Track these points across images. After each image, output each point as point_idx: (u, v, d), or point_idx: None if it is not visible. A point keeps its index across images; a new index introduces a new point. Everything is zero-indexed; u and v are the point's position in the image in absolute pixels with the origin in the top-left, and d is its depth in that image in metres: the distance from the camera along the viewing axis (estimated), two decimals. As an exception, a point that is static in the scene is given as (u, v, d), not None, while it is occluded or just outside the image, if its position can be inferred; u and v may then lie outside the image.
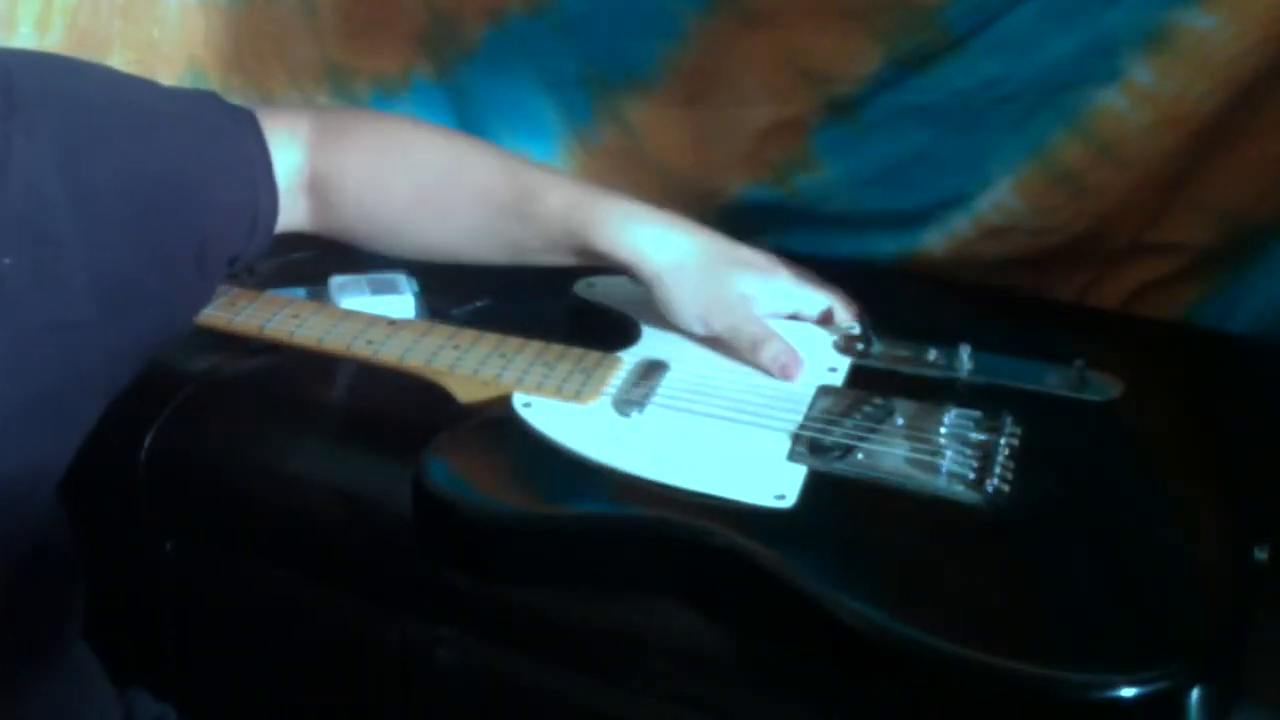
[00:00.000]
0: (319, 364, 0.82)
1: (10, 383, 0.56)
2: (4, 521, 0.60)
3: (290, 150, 0.75)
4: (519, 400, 0.71)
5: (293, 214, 0.76)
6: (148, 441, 0.83)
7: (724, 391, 0.72)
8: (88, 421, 0.63)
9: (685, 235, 0.76)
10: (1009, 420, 0.68)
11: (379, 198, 0.77)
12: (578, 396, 0.71)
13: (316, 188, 0.76)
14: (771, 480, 0.64)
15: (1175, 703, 0.53)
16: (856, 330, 0.78)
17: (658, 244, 0.75)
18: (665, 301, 0.76)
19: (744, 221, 1.03)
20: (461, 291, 0.95)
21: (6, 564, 0.61)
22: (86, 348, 0.60)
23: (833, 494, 0.64)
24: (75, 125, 0.60)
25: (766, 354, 0.74)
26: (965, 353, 0.74)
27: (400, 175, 0.77)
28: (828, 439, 0.67)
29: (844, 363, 0.76)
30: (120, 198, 0.61)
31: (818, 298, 0.79)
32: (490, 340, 0.77)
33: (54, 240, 0.57)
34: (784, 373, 0.73)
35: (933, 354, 0.75)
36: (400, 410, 0.79)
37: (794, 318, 0.79)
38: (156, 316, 0.65)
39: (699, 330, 0.77)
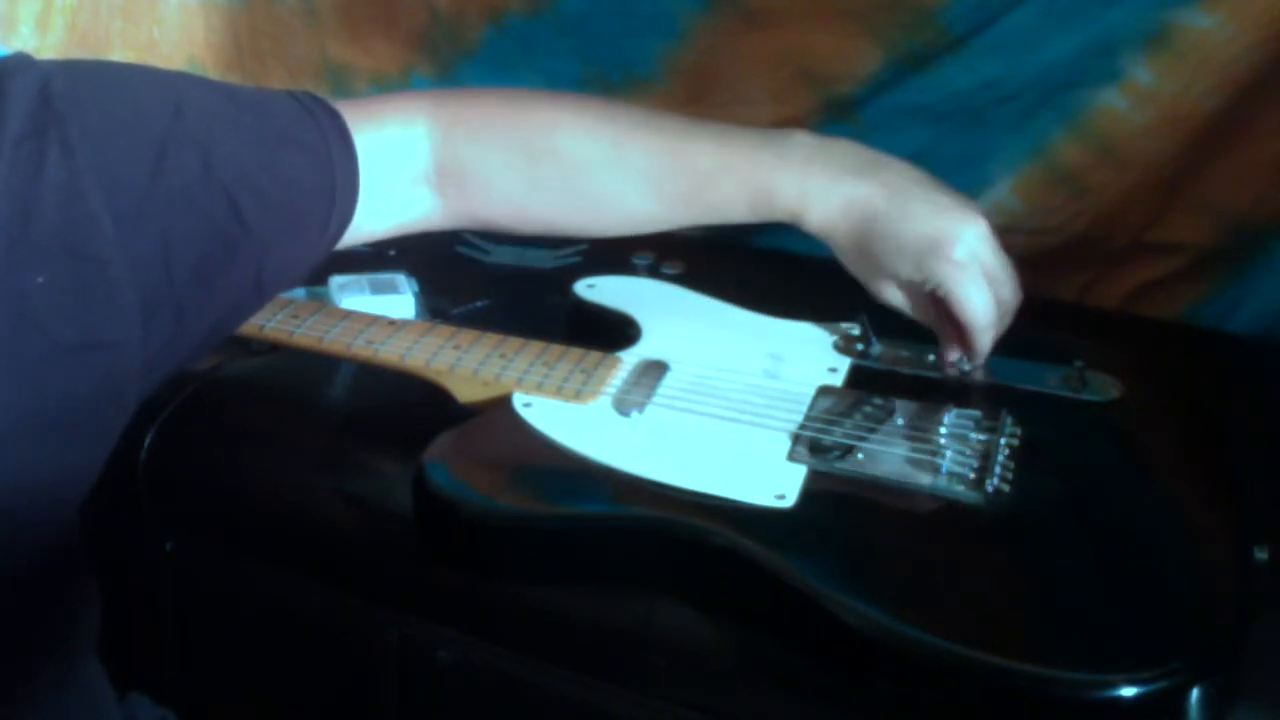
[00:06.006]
0: (319, 364, 0.82)
1: (32, 403, 0.53)
2: (25, 543, 0.57)
3: (408, 145, 0.70)
4: (519, 400, 0.71)
5: (415, 210, 0.72)
6: (148, 441, 0.83)
7: (724, 391, 0.72)
8: (114, 435, 0.59)
9: (857, 187, 0.70)
10: (1009, 420, 0.68)
11: (529, 196, 0.72)
12: (578, 396, 0.71)
13: (450, 183, 0.71)
14: (771, 480, 0.64)
15: (1175, 702, 0.53)
16: (856, 330, 0.78)
17: (836, 208, 0.70)
18: (860, 275, 0.72)
19: (745, 221, 1.02)
20: (461, 291, 0.95)
21: (25, 587, 0.58)
22: (123, 365, 0.56)
23: (833, 494, 0.64)
24: (119, 138, 0.56)
25: (971, 329, 0.70)
26: (965, 353, 0.74)
27: (549, 169, 0.71)
28: (828, 439, 0.67)
29: (844, 363, 0.76)
30: (169, 216, 0.57)
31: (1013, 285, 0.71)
32: (490, 340, 0.77)
33: (96, 258, 0.53)
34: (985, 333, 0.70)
35: (933, 355, 0.75)
36: (400, 410, 0.79)
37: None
38: (204, 333, 0.62)
39: (897, 300, 0.73)
